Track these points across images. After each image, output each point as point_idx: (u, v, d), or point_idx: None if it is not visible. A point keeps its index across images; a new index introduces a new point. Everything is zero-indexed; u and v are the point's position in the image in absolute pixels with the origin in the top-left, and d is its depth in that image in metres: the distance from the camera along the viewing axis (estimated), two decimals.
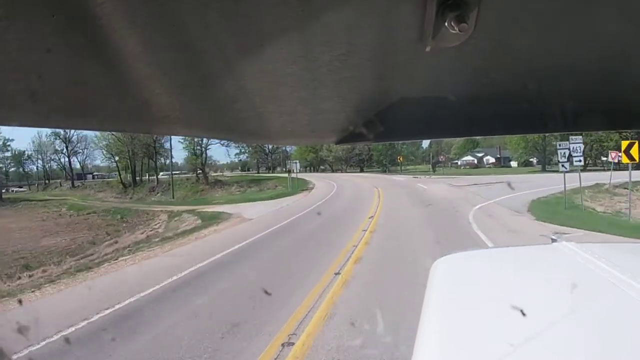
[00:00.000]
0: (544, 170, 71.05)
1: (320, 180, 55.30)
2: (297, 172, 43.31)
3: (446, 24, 0.59)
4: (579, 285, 1.65)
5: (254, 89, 0.80)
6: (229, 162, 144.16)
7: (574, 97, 0.83)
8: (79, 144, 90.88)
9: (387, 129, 0.91)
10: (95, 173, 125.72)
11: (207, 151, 71.43)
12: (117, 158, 76.26)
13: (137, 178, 73.70)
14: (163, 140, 73.72)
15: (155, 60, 0.67)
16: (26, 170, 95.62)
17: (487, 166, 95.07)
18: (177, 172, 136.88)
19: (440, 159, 63.56)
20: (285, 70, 0.74)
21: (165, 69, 0.69)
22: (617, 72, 0.78)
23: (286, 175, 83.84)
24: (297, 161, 45.95)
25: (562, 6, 0.62)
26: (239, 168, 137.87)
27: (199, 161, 67.02)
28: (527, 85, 0.80)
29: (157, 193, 67.71)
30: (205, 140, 65.21)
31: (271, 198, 34.17)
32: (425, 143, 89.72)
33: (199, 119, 0.86)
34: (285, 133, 0.99)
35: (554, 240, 2.60)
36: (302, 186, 46.43)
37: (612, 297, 1.64)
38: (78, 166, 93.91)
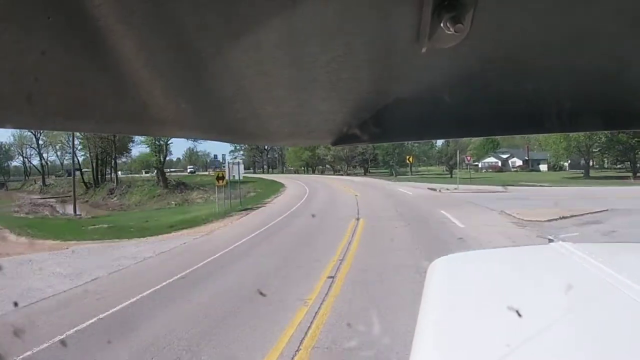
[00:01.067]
0: (587, 176, 55.46)
1: (294, 187, 42.36)
2: (239, 178, 26.69)
3: (442, 24, 0.57)
4: (576, 286, 1.64)
5: (251, 91, 0.79)
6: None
7: (571, 97, 0.82)
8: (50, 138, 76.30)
9: (383, 130, 0.90)
10: (85, 169, 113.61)
11: (171, 147, 55.68)
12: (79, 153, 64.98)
13: (106, 176, 62.89)
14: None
15: (152, 62, 0.65)
16: (3, 165, 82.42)
17: (513, 169, 78.92)
18: (173, 169, 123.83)
19: (466, 160, 45.80)
20: (282, 71, 0.73)
21: (162, 71, 0.68)
22: (614, 72, 0.76)
23: (274, 177, 68.13)
24: (241, 162, 28.88)
25: (559, 6, 0.60)
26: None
27: (155, 159, 51.25)
28: (524, 85, 0.79)
29: (114, 197, 54.19)
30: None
31: (176, 226, 19.28)
32: (440, 141, 72.99)
33: (197, 121, 0.85)
34: (283, 134, 0.97)
35: (550, 241, 2.68)
36: (253, 201, 30.04)
37: (609, 297, 1.63)
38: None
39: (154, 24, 0.58)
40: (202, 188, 51.84)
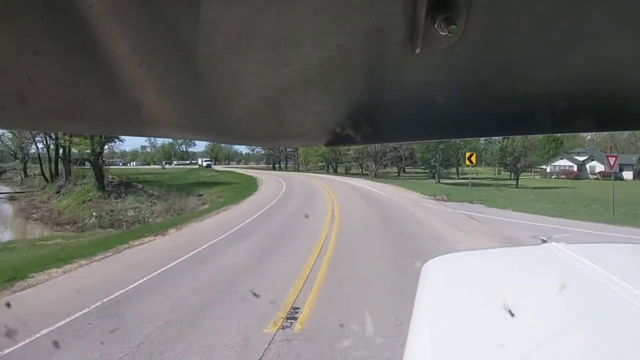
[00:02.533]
0: None
1: (259, 199, 23.80)
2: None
3: (436, 25, 0.57)
4: (569, 286, 1.62)
5: (244, 92, 0.77)
6: (253, 153, 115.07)
7: (564, 97, 0.80)
8: None
9: (377, 131, 0.87)
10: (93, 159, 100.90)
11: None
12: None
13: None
14: None
15: (146, 62, 0.64)
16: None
17: (592, 177, 58.38)
18: (185, 162, 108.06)
19: (610, 163, 24.79)
20: (276, 72, 0.71)
21: (156, 71, 0.66)
22: (608, 72, 0.76)
23: (274, 175, 50.66)
24: None
25: (553, 7, 0.60)
26: (264, 160, 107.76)
27: (81, 153, 35.73)
28: (518, 86, 0.78)
29: (60, 195, 39.17)
30: None
31: None
32: (494, 138, 52.67)
33: (191, 121, 0.83)
34: (276, 135, 0.94)
35: (544, 241, 2.53)
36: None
37: (602, 296, 1.63)
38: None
39: (148, 24, 0.57)
40: (149, 191, 34.73)
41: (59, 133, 40.97)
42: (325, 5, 0.58)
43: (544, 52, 0.69)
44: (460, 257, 2.64)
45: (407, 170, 63.49)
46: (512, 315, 1.35)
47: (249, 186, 36.08)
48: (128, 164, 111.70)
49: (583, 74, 0.75)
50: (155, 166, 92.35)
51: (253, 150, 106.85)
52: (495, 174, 65.80)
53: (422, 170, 63.45)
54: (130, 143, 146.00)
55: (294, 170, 77.23)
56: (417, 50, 0.62)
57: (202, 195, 32.51)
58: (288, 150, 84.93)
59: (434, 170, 55.97)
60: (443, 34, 0.57)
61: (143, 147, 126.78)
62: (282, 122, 0.87)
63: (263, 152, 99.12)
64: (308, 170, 74.00)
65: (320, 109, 0.83)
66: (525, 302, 1.57)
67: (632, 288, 1.55)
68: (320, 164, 73.25)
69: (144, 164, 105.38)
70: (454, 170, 62.12)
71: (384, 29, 0.62)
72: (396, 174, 60.44)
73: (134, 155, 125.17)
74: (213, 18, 0.58)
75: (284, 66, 0.69)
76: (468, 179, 55.68)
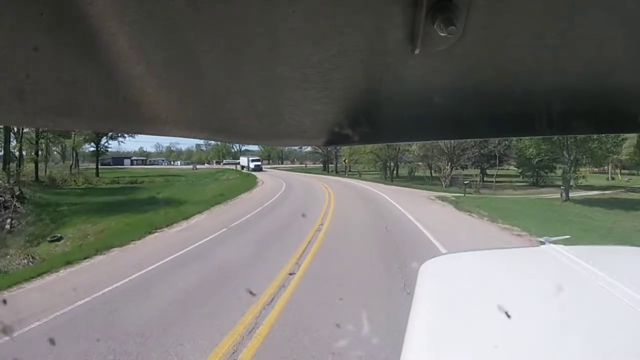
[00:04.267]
0: None
1: None
2: None
3: (435, 26, 0.56)
4: (566, 287, 1.60)
5: (244, 90, 0.76)
6: (309, 153, 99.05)
7: (562, 100, 0.79)
8: None
9: (376, 131, 0.87)
10: (134, 158, 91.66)
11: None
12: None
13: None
14: None
15: (144, 60, 0.63)
16: None
17: None
18: (230, 161, 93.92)
19: None
20: (275, 71, 0.70)
21: (154, 69, 0.65)
22: (606, 75, 0.75)
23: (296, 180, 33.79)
24: None
25: (551, 9, 0.59)
26: (320, 160, 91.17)
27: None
28: (516, 88, 0.76)
29: None
30: None
31: None
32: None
33: (189, 119, 0.81)
34: (275, 134, 0.93)
35: (541, 243, 2.49)
36: None
37: (598, 298, 1.61)
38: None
39: (146, 21, 0.56)
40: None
41: None
42: (325, 5, 0.56)
43: (543, 54, 0.67)
44: (457, 257, 2.57)
45: (488, 173, 43.78)
46: (509, 316, 1.32)
47: (189, 210, 22.02)
48: (173, 163, 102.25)
49: (581, 76, 0.74)
50: (185, 167, 79.44)
51: (301, 149, 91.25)
52: (608, 179, 44.57)
53: (514, 173, 43.58)
54: (186, 142, 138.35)
55: (344, 175, 59.40)
56: (417, 51, 0.61)
57: (59, 239, 17.73)
58: (338, 149, 67.40)
59: (534, 174, 36.49)
60: (442, 34, 0.55)
61: (198, 146, 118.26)
62: (281, 121, 0.85)
63: (308, 149, 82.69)
64: (360, 174, 55.94)
65: (320, 108, 0.81)
66: (522, 303, 1.55)
67: (629, 290, 1.52)
68: (378, 163, 54.30)
69: (189, 164, 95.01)
70: (551, 174, 40.99)
71: (384, 28, 0.60)
72: (480, 178, 41.12)
73: (189, 155, 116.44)
74: (213, 16, 0.56)
75: (284, 65, 0.67)
76: (578, 187, 35.88)
